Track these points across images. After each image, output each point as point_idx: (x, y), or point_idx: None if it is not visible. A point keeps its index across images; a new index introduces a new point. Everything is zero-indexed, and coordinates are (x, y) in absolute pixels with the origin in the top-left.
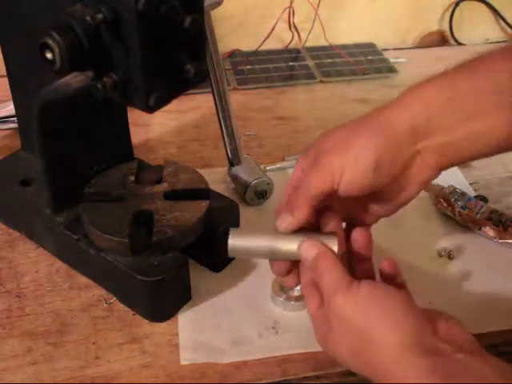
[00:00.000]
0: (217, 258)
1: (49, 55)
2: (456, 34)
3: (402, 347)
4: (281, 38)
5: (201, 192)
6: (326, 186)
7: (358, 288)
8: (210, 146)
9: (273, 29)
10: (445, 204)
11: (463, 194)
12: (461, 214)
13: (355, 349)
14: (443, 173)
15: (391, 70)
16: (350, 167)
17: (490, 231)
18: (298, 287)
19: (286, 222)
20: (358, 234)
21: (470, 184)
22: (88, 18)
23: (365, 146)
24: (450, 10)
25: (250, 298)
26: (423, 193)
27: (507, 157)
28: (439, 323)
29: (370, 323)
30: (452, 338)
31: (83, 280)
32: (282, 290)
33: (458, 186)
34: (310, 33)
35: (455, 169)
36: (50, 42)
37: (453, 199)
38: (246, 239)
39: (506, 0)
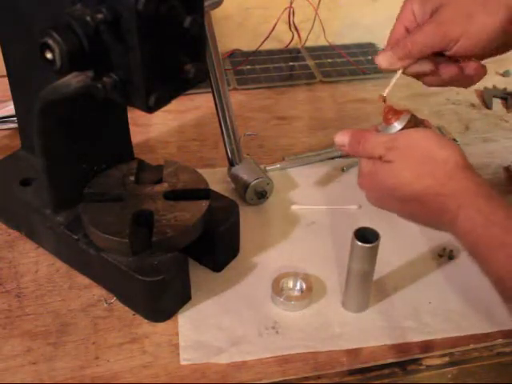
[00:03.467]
0: (217, 258)
1: (49, 55)
2: None
3: (460, 165)
4: (281, 38)
5: (201, 192)
6: (441, 45)
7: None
8: (210, 146)
9: (273, 29)
10: None
11: None
12: None
13: (421, 171)
14: None
15: None
16: (470, 37)
17: None
18: (298, 287)
19: (390, 62)
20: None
21: None
22: (88, 18)
23: (487, 21)
24: None
25: (249, 298)
26: None
27: (507, 157)
28: None
29: (433, 149)
30: None
31: (83, 280)
32: (282, 290)
33: None
34: (309, 33)
35: None
36: (50, 42)
37: None
38: None
39: None
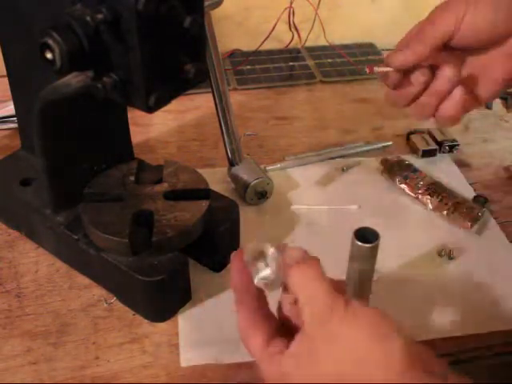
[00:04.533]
0: (217, 258)
1: (49, 55)
2: None
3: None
4: (281, 38)
5: (201, 192)
6: (448, 26)
7: (355, 310)
8: (210, 146)
9: (273, 29)
10: (387, 173)
11: (408, 165)
12: (401, 182)
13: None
14: (443, 173)
15: None
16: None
17: (426, 201)
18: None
19: (402, 58)
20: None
21: (470, 184)
22: (88, 18)
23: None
24: None
25: None
26: None
27: (507, 157)
28: None
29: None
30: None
31: (83, 280)
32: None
33: (457, 186)
34: (309, 33)
35: (455, 169)
36: (50, 42)
37: (396, 169)
38: None
39: None
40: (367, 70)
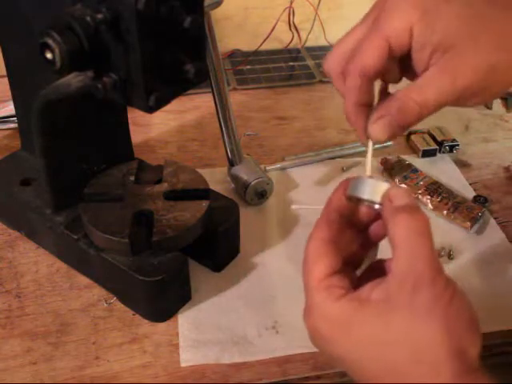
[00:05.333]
0: (217, 258)
1: (49, 55)
2: None
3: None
4: (281, 38)
5: (201, 192)
6: (455, 102)
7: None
8: (210, 146)
9: (273, 29)
10: (387, 173)
11: (408, 165)
12: (401, 182)
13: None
14: (443, 173)
15: None
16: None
17: (426, 201)
18: None
19: (390, 131)
20: None
21: (470, 184)
22: (88, 18)
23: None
24: None
25: (249, 298)
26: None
27: (507, 157)
28: None
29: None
30: None
31: (83, 280)
32: None
33: (457, 186)
34: (309, 33)
35: (455, 169)
36: (50, 42)
37: (396, 169)
38: None
39: None
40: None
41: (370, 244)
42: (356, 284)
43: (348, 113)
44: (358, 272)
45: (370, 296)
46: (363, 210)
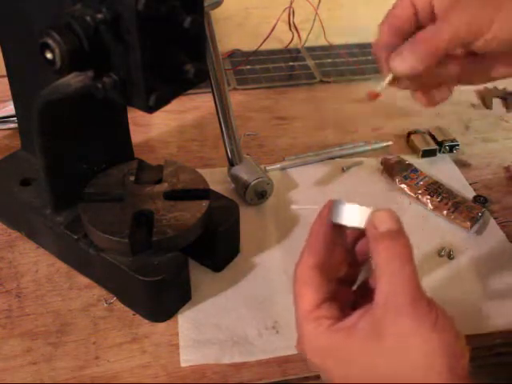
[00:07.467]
0: (217, 258)
1: (49, 55)
2: None
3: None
4: (281, 38)
5: (201, 192)
6: (470, 37)
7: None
8: (210, 146)
9: (273, 29)
10: (387, 173)
11: (408, 165)
12: (401, 182)
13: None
14: (443, 173)
15: None
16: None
17: (426, 201)
18: None
19: (411, 64)
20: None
21: (470, 184)
22: (88, 18)
23: None
24: None
25: (250, 298)
26: None
27: (507, 157)
28: None
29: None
30: None
31: (83, 280)
32: None
33: (457, 186)
34: (309, 33)
35: (455, 169)
36: (50, 41)
37: (396, 169)
38: None
39: None
40: (369, 97)
41: (360, 261)
42: (354, 299)
43: (376, 49)
44: (355, 287)
45: (357, 325)
46: (348, 232)
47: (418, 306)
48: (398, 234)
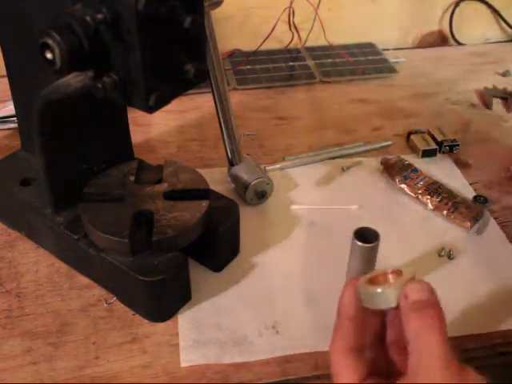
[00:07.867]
0: (217, 258)
1: (49, 55)
2: (456, 34)
3: None
4: (281, 38)
5: (201, 192)
6: None
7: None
8: (210, 146)
9: (273, 29)
10: (387, 173)
11: (408, 165)
12: (401, 182)
13: None
14: (443, 173)
15: (391, 70)
16: None
17: (426, 201)
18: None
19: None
20: None
21: (470, 184)
22: (88, 18)
23: None
24: (450, 9)
25: (250, 298)
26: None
27: (507, 157)
28: None
29: None
30: None
31: (83, 280)
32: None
33: (457, 186)
34: (309, 33)
35: (455, 169)
36: (50, 42)
37: (396, 169)
38: None
39: (506, 0)
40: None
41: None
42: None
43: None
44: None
45: None
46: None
47: (446, 372)
48: (428, 303)
